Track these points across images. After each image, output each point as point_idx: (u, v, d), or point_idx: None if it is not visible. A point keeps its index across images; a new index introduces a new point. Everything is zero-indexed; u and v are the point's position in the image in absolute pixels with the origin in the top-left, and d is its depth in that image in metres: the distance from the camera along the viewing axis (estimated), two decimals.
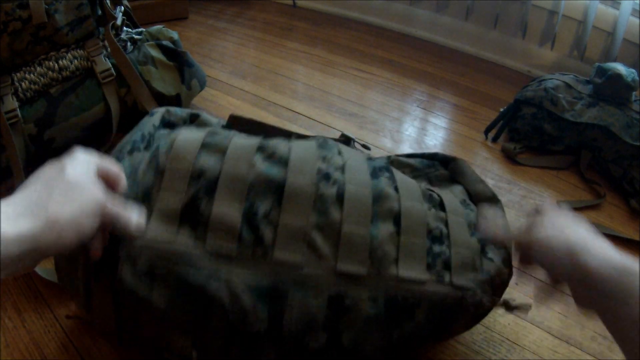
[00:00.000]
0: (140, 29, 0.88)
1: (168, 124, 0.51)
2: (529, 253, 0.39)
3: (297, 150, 0.44)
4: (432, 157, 0.55)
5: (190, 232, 0.39)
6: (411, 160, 0.55)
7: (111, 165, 0.37)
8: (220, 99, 1.01)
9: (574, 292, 0.36)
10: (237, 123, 0.53)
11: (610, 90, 0.78)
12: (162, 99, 0.86)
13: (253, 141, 0.45)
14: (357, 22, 1.44)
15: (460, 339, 0.54)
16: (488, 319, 0.56)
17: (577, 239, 0.36)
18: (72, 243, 0.30)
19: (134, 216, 0.36)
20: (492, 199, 0.49)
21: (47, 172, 0.32)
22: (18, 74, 0.73)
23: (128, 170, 0.42)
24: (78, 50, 0.78)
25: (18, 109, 0.72)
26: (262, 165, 0.42)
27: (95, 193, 0.32)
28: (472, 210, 0.48)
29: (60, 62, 0.76)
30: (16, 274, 0.29)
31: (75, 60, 0.77)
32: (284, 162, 0.42)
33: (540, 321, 0.56)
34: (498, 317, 0.56)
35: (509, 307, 0.44)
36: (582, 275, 0.34)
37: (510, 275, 0.45)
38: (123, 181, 0.38)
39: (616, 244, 0.66)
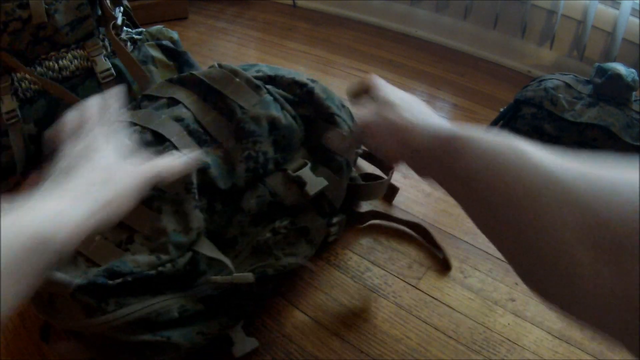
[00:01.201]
0: (140, 29, 0.88)
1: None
2: (363, 141, 0.46)
3: None
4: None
5: None
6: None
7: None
8: None
9: (411, 167, 0.39)
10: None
11: (610, 90, 0.78)
12: None
13: None
14: (357, 22, 1.44)
15: (460, 338, 0.54)
16: (488, 319, 0.56)
17: (399, 121, 0.39)
18: (120, 217, 0.33)
19: (185, 158, 0.39)
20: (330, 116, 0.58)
21: (77, 162, 0.34)
22: (18, 74, 0.73)
23: None
24: (78, 50, 0.78)
25: (18, 109, 0.72)
26: None
27: (131, 172, 0.35)
28: None
29: (60, 62, 0.76)
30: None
31: (75, 60, 0.77)
32: None
33: (540, 321, 0.56)
34: (498, 318, 0.56)
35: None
36: (410, 152, 0.38)
37: None
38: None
39: None
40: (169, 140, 0.49)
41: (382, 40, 1.33)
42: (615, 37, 1.00)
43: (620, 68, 0.77)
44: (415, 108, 0.41)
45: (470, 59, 1.25)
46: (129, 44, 0.83)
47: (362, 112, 0.44)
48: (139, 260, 0.41)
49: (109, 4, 0.79)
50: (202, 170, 0.48)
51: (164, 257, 0.42)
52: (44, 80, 0.72)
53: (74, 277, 0.39)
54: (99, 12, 0.80)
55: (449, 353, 0.52)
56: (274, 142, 0.53)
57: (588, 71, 0.86)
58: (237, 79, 0.55)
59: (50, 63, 0.75)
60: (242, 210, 0.51)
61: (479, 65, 1.21)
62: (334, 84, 1.08)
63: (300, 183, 0.53)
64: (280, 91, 0.58)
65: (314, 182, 0.54)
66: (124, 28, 0.84)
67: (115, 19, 0.80)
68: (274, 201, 0.52)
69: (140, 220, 0.44)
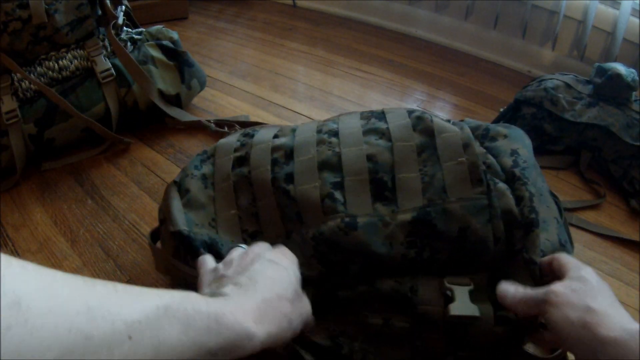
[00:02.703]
0: (140, 29, 0.88)
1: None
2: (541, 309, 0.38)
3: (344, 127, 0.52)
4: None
5: None
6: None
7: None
8: (220, 99, 1.01)
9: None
10: None
11: (610, 90, 0.78)
12: (162, 98, 0.86)
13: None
14: (357, 22, 1.44)
15: None
16: None
17: (595, 309, 0.35)
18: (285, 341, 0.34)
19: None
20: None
21: (268, 280, 0.35)
22: (18, 74, 0.73)
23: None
24: (78, 50, 0.78)
25: (18, 109, 0.72)
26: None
27: (306, 303, 0.38)
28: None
29: (60, 62, 0.76)
30: None
31: (75, 60, 0.77)
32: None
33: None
34: None
35: None
36: (595, 344, 0.33)
37: None
38: None
39: (616, 244, 0.67)
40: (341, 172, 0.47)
41: (382, 40, 1.33)
42: (615, 37, 1.00)
43: (620, 68, 0.77)
44: (606, 292, 0.37)
45: (471, 59, 1.25)
46: (129, 44, 0.83)
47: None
48: None
49: (110, 4, 0.80)
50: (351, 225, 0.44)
51: None
52: (40, 84, 0.72)
53: None
54: (99, 12, 0.80)
55: None
56: (453, 250, 0.43)
57: (588, 71, 0.86)
58: (464, 158, 0.45)
59: (50, 63, 0.75)
60: (373, 285, 0.44)
61: (479, 65, 1.21)
62: (334, 84, 1.08)
63: (448, 297, 0.42)
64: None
65: (464, 306, 0.41)
66: (124, 28, 0.84)
67: (116, 18, 0.80)
68: (409, 299, 0.43)
69: None
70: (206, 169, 0.53)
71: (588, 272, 0.39)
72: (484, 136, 0.51)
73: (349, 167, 0.47)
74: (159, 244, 0.52)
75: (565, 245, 0.45)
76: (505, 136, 0.51)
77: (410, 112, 0.52)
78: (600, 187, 0.77)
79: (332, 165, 0.48)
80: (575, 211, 0.74)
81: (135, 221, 0.68)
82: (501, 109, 0.90)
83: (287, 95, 1.03)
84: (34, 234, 0.66)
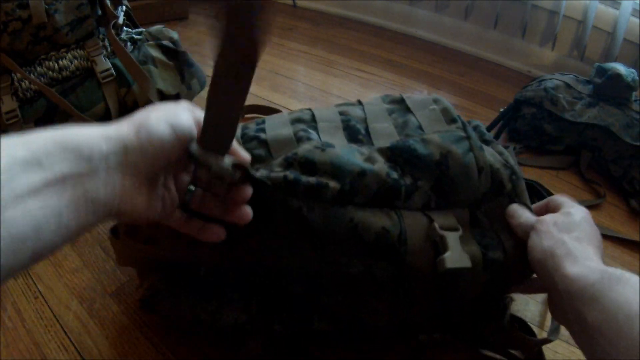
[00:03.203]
0: (140, 29, 0.88)
1: None
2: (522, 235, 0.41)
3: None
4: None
5: None
6: None
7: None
8: None
9: (552, 302, 0.36)
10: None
11: (610, 90, 0.78)
12: (162, 98, 0.86)
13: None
14: (357, 22, 1.44)
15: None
16: None
17: (567, 242, 0.36)
18: (172, 143, 0.30)
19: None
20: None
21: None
22: (18, 74, 0.73)
23: None
24: (78, 50, 0.78)
25: (18, 109, 0.72)
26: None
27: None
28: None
29: (60, 62, 0.76)
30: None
31: (75, 60, 0.77)
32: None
33: (540, 321, 0.56)
34: None
35: None
36: (557, 276, 0.34)
37: None
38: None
39: (616, 244, 0.67)
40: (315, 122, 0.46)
41: (382, 40, 1.33)
42: (615, 37, 1.00)
43: (620, 68, 0.77)
44: (586, 230, 0.38)
45: (471, 59, 1.25)
46: (129, 44, 0.83)
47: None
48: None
49: (110, 4, 0.80)
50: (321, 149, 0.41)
51: None
52: (40, 84, 0.72)
53: None
54: (99, 12, 0.80)
55: (450, 352, 0.52)
56: (435, 180, 0.41)
57: (588, 71, 0.86)
58: (435, 106, 0.47)
59: (50, 63, 0.75)
60: (356, 231, 0.38)
61: (479, 65, 1.21)
62: (334, 84, 1.08)
63: (440, 247, 0.39)
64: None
65: (457, 257, 0.38)
66: (124, 28, 0.84)
67: (117, 18, 0.80)
68: (396, 250, 0.39)
69: None
70: None
71: (577, 210, 0.40)
72: None
73: (321, 117, 0.47)
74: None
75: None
76: None
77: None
78: (600, 187, 0.77)
79: (305, 120, 0.48)
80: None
81: None
82: (501, 109, 0.90)
83: (287, 95, 1.03)
84: None
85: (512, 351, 0.48)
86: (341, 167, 0.39)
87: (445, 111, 0.46)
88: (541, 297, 0.58)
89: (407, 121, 0.47)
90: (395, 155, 0.42)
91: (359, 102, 0.53)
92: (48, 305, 0.55)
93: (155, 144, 0.29)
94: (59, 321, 0.53)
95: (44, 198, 0.24)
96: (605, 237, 0.68)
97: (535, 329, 0.53)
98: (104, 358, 0.49)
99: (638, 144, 0.74)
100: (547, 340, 0.48)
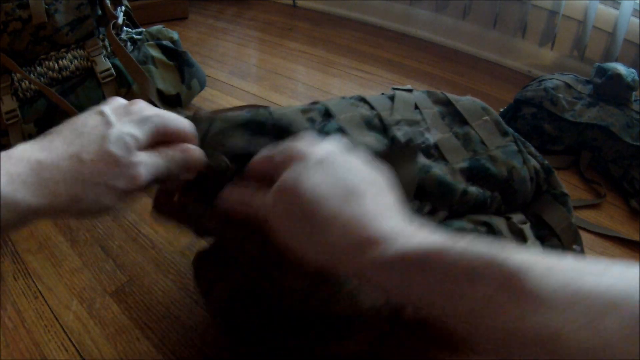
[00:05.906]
0: (140, 29, 0.88)
1: None
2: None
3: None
4: None
5: None
6: None
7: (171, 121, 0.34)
8: (220, 99, 1.01)
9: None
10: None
11: (610, 90, 0.78)
12: (162, 98, 0.86)
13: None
14: (357, 22, 1.44)
15: None
16: None
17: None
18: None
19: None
20: None
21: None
22: (18, 74, 0.73)
23: None
24: (78, 50, 0.78)
25: (18, 109, 0.72)
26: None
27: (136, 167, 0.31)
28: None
29: (60, 62, 0.76)
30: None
31: (75, 60, 0.77)
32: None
33: None
34: None
35: None
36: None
37: None
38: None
39: (616, 244, 0.67)
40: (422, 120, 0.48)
41: (382, 40, 1.33)
42: (615, 38, 1.00)
43: (620, 68, 0.77)
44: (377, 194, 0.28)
45: (470, 59, 1.25)
46: (129, 44, 0.83)
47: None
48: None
49: (110, 4, 0.80)
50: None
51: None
52: (40, 84, 0.72)
53: None
54: (99, 12, 0.80)
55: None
56: (501, 191, 0.48)
57: (588, 71, 0.86)
58: (487, 117, 0.51)
59: (50, 63, 0.75)
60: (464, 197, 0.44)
61: (479, 65, 1.21)
62: (334, 84, 1.08)
63: (522, 238, 0.46)
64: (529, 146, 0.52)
65: (534, 244, 0.46)
66: (124, 28, 0.84)
67: (116, 18, 0.80)
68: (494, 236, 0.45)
69: None
70: None
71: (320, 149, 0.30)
72: None
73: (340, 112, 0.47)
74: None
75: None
76: None
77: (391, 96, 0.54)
78: (600, 187, 0.77)
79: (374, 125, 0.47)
80: (575, 211, 0.74)
81: (135, 221, 0.68)
82: (501, 109, 0.90)
83: (287, 95, 1.03)
84: (34, 233, 0.66)
85: None
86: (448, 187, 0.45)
87: (497, 123, 0.51)
88: None
89: (468, 134, 0.50)
90: (473, 174, 0.48)
91: (410, 91, 0.52)
92: (48, 305, 0.55)
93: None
94: (59, 321, 0.53)
95: None
96: (605, 237, 0.69)
97: None
98: (104, 358, 0.49)
99: (638, 144, 0.74)
100: None
